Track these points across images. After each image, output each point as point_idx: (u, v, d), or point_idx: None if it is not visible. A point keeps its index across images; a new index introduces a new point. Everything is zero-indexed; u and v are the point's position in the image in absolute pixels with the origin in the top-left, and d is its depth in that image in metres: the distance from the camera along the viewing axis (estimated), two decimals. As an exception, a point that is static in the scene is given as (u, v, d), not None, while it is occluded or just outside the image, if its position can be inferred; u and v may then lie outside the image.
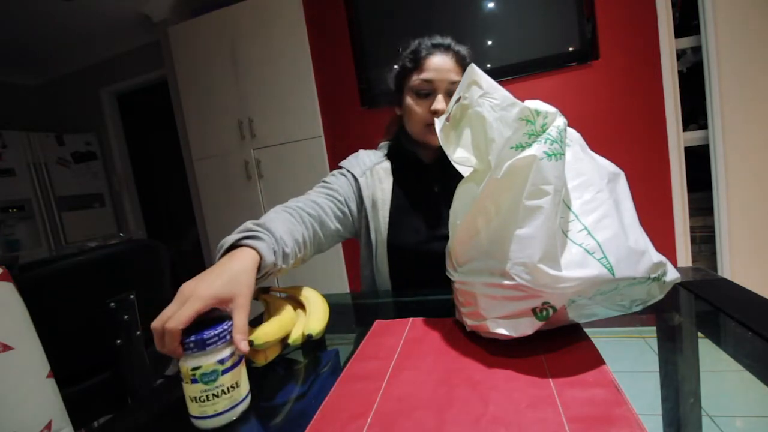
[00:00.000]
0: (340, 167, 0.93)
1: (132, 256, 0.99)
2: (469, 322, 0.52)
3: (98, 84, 3.24)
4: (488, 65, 1.99)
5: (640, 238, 0.45)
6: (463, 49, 0.83)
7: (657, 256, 0.44)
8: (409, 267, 0.84)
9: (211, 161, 2.41)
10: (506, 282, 0.45)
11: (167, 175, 3.77)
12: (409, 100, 0.84)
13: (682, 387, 0.45)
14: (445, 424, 0.37)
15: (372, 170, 0.90)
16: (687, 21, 1.90)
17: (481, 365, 0.46)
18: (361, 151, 0.95)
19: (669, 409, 0.43)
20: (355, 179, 0.89)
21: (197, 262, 2.82)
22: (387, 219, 0.86)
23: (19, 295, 0.53)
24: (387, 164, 0.91)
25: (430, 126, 0.80)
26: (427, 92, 0.81)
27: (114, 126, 3.33)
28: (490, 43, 1.99)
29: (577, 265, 0.41)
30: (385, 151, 0.95)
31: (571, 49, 1.87)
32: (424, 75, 0.80)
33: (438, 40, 0.83)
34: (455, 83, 0.78)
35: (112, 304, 0.88)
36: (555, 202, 0.43)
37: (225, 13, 2.22)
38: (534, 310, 0.45)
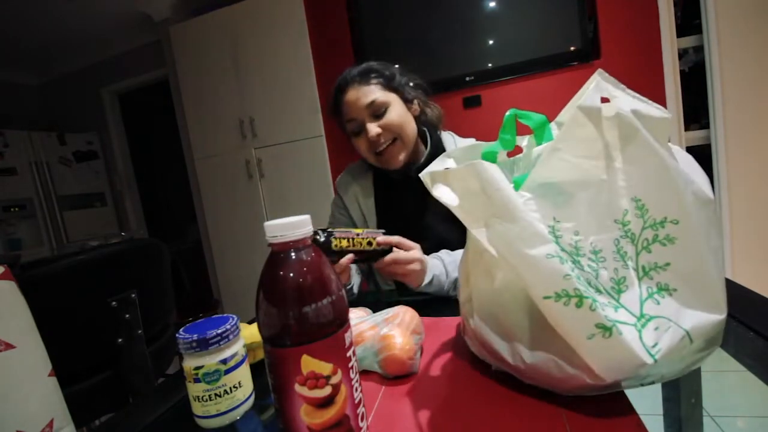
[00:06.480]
0: (335, 188, 1.00)
1: (133, 256, 0.99)
2: (474, 351, 0.47)
3: (99, 83, 3.24)
4: (489, 65, 1.99)
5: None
6: (373, 64, 0.86)
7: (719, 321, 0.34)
8: None
9: (212, 160, 2.41)
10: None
11: (168, 174, 3.78)
12: (352, 140, 0.89)
13: (684, 387, 0.45)
14: (445, 422, 0.37)
15: (351, 187, 0.95)
16: (689, 20, 1.90)
17: (482, 365, 0.46)
18: (350, 166, 1.00)
19: (670, 408, 0.43)
20: (342, 200, 0.96)
21: (198, 261, 2.82)
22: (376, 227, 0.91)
23: (21, 294, 0.53)
24: (369, 177, 0.95)
25: (379, 154, 0.85)
26: (358, 130, 0.85)
27: (115, 125, 3.33)
28: (491, 42, 1.99)
29: (617, 364, 0.33)
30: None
31: (572, 48, 1.87)
32: (346, 116, 0.85)
33: (344, 74, 0.87)
34: (372, 103, 0.82)
35: (114, 303, 0.88)
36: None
37: (226, 13, 2.22)
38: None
